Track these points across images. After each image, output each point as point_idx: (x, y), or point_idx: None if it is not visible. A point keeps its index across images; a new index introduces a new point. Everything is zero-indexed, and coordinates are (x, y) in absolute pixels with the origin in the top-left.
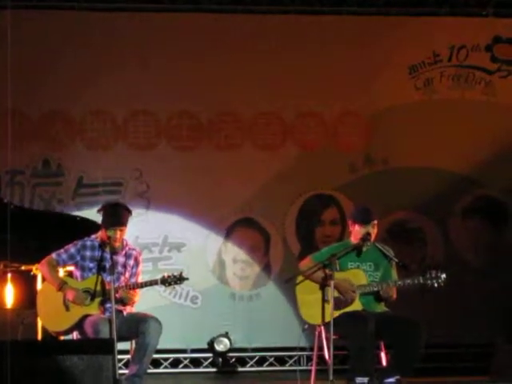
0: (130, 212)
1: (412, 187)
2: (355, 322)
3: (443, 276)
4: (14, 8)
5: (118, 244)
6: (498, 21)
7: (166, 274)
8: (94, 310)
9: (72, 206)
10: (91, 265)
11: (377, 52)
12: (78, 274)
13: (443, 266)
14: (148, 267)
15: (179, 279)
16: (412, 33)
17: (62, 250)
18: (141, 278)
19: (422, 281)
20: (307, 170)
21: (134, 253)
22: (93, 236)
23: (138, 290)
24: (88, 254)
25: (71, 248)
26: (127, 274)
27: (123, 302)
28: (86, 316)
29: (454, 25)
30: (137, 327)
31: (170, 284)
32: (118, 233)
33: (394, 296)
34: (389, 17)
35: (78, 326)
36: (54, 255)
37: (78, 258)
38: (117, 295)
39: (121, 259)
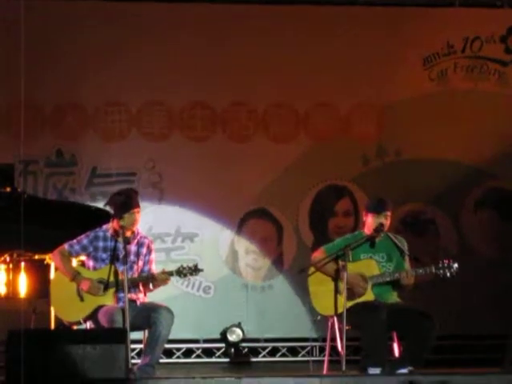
0: (137, 193)
1: (424, 179)
2: (367, 313)
3: (455, 265)
4: None
5: (134, 229)
6: None
7: (181, 265)
8: (108, 300)
9: (85, 195)
10: (104, 255)
11: (391, 43)
12: (90, 264)
13: (456, 257)
14: (161, 257)
15: (194, 270)
16: (426, 24)
17: (74, 241)
18: (154, 266)
19: (434, 270)
20: (320, 161)
21: (146, 241)
22: (104, 227)
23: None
24: (101, 244)
25: (84, 239)
26: (140, 263)
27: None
28: (100, 306)
29: (469, 16)
30: (149, 317)
31: (185, 275)
32: (137, 215)
33: (411, 284)
34: (403, 8)
35: (93, 316)
36: (66, 246)
37: (91, 249)
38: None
39: (133, 248)
